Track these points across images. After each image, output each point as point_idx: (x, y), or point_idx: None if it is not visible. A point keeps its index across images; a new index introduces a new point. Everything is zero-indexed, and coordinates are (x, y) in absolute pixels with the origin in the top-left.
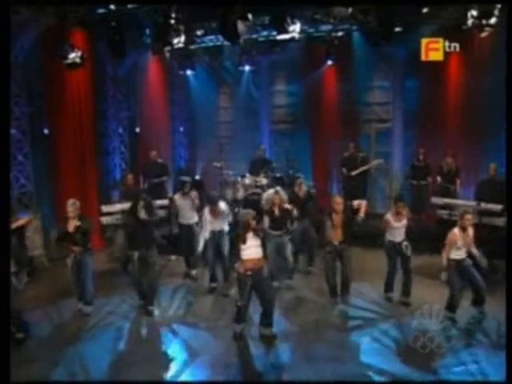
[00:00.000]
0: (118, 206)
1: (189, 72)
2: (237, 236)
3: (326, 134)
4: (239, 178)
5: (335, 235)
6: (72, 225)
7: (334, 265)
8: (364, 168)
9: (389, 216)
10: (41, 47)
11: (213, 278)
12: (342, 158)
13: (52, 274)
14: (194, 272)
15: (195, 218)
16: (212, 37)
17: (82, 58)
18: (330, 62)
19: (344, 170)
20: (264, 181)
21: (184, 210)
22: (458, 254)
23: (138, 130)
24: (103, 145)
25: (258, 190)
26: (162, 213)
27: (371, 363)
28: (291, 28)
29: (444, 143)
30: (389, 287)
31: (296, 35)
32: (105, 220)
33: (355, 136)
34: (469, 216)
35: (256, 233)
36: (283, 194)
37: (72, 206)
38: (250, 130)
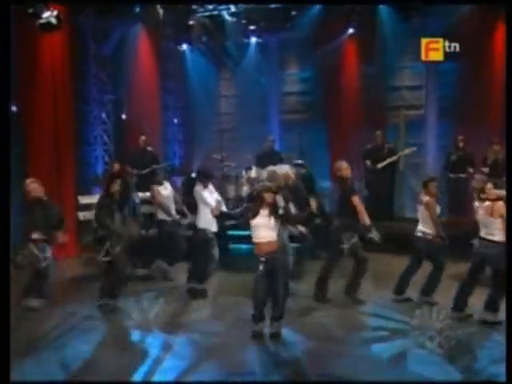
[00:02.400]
0: None
1: (185, 47)
2: (248, 209)
3: (345, 124)
4: (243, 172)
5: None
6: None
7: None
8: (393, 158)
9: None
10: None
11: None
12: (366, 150)
13: (18, 283)
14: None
15: None
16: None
17: (58, 18)
18: (351, 31)
19: (368, 162)
20: None
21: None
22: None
23: (124, 116)
24: (83, 133)
25: None
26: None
27: None
28: None
29: (488, 132)
30: (401, 289)
31: None
32: (82, 215)
33: (381, 126)
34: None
35: (272, 212)
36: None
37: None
38: (257, 121)
